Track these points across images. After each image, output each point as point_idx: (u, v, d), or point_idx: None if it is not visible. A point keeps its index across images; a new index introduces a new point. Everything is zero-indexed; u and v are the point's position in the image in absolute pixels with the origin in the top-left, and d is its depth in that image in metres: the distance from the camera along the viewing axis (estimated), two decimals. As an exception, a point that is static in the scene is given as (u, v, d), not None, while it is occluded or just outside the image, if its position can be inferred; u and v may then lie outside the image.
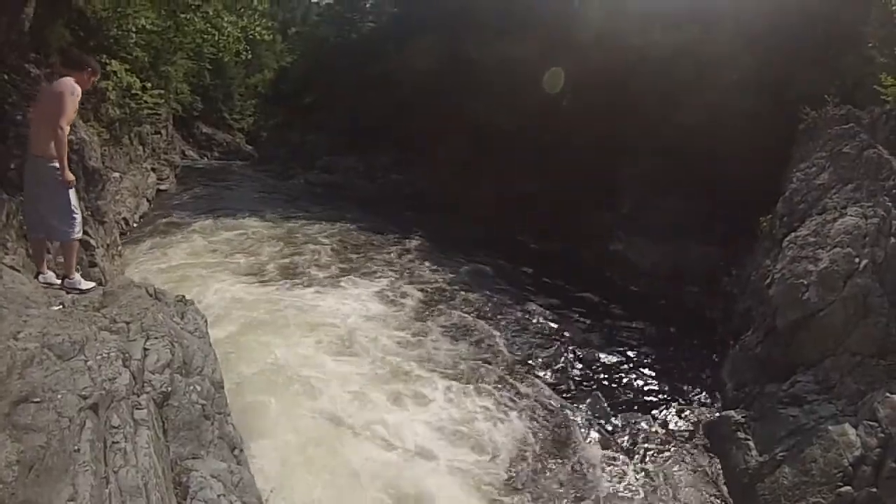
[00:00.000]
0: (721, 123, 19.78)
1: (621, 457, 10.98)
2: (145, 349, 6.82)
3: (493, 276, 20.39)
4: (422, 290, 18.31)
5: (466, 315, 16.60)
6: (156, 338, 7.15)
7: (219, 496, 6.31)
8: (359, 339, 14.17)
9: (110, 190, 23.50)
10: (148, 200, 27.34)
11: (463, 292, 18.41)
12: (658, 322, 17.06)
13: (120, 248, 19.70)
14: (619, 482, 10.29)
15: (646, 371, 14.30)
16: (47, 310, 6.99)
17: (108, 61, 22.20)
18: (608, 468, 10.63)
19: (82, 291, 8.51)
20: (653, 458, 11.04)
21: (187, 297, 9.36)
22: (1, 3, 16.00)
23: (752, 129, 18.73)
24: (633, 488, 10.07)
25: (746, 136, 18.73)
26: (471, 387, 12.70)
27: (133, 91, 23.21)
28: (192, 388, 7.19)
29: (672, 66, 23.04)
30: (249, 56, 25.50)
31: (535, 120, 27.42)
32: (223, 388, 8.00)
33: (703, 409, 12.64)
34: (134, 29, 22.75)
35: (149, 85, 25.06)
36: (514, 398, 12.45)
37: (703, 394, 13.38)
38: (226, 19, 19.64)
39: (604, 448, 11.11)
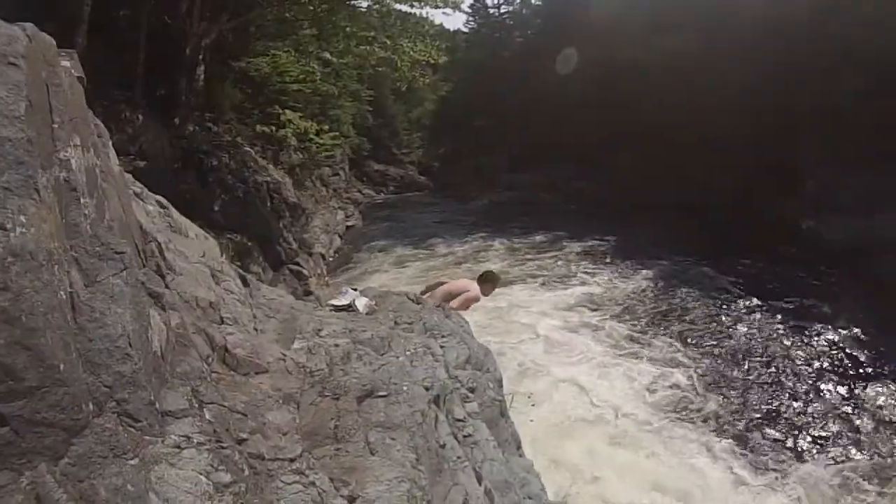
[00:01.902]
0: None
1: None
2: (441, 346, 6.47)
3: (693, 276, 19.17)
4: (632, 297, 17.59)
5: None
6: (444, 336, 6.84)
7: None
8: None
9: (311, 225, 24.57)
10: (339, 236, 28.18)
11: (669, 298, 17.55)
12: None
13: (327, 277, 20.27)
14: None
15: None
16: (333, 311, 6.81)
17: (281, 111, 23.27)
18: None
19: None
20: None
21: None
22: (180, 65, 17.21)
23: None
24: None
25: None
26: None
27: (309, 136, 24.00)
28: (487, 384, 6.78)
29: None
30: (427, 81, 25.86)
31: (704, 114, 25.81)
32: (503, 386, 7.52)
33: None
34: (292, 80, 23.70)
35: (325, 128, 25.89)
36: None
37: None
38: (405, 44, 19.83)
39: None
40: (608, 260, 21.83)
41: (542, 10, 50.92)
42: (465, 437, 4.83)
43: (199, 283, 4.13)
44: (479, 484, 4.39)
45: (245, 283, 5.61)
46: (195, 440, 2.34)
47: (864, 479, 9.53)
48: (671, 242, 21.83)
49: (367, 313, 7.25)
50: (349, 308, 7.28)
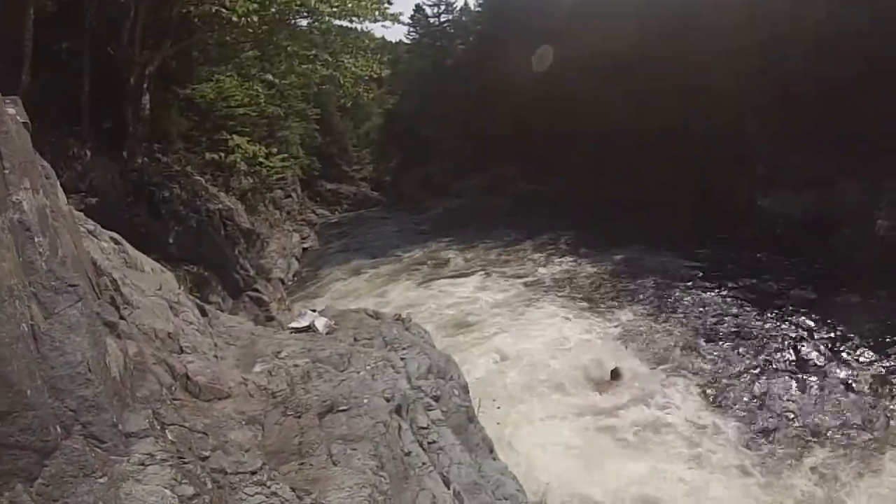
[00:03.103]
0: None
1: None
2: (402, 358, 6.59)
3: (656, 262, 19.66)
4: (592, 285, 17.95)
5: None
6: (404, 348, 6.97)
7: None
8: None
9: (267, 249, 24.44)
10: (297, 259, 28.03)
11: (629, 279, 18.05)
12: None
13: (288, 302, 20.21)
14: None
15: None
16: (293, 333, 6.90)
17: (229, 136, 23.16)
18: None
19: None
20: None
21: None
22: (126, 95, 17.08)
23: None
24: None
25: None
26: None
27: (259, 159, 23.90)
28: (452, 391, 6.92)
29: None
30: (372, 95, 25.91)
31: (653, 108, 26.35)
32: (468, 392, 7.68)
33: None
34: (237, 104, 23.64)
35: (274, 150, 25.79)
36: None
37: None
38: (346, 60, 19.89)
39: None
40: (563, 256, 22.39)
41: (481, 16, 51.34)
42: (429, 443, 4.96)
43: (157, 315, 4.21)
44: (448, 487, 4.52)
45: (203, 313, 5.68)
46: (158, 457, 2.46)
47: (816, 442, 9.90)
48: (627, 236, 22.29)
49: (326, 332, 7.33)
50: (309, 329, 7.36)
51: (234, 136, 23.11)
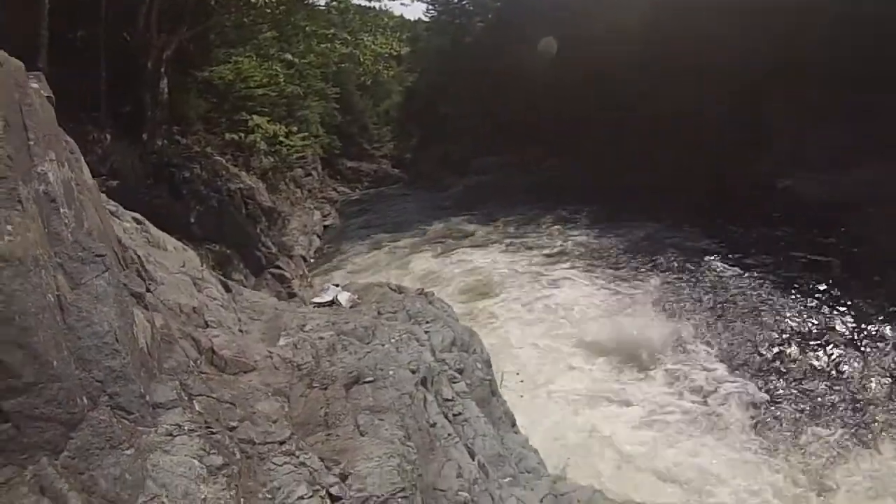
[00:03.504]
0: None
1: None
2: (426, 332, 6.61)
3: (674, 240, 19.57)
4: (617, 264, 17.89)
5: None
6: (427, 322, 6.99)
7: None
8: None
9: (288, 227, 24.55)
10: (318, 236, 28.09)
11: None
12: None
13: (310, 279, 20.31)
14: None
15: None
16: (316, 308, 6.93)
17: (248, 117, 23.19)
18: None
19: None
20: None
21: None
22: (143, 80, 17.11)
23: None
24: None
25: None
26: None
27: (279, 138, 23.93)
28: (475, 364, 6.93)
29: None
30: (392, 73, 25.84)
31: (673, 86, 25.91)
32: (491, 366, 7.68)
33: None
34: (256, 85, 23.64)
35: (294, 129, 25.79)
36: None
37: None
38: (366, 39, 19.80)
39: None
40: (582, 230, 22.38)
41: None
42: (455, 415, 4.97)
43: (182, 291, 4.22)
44: (472, 459, 4.53)
45: (227, 288, 5.70)
46: (186, 428, 2.46)
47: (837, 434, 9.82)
48: (644, 215, 22.06)
49: (350, 307, 7.36)
50: (333, 303, 7.39)
51: (254, 117, 23.14)
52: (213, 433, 2.57)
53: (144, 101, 17.09)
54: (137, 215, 5.72)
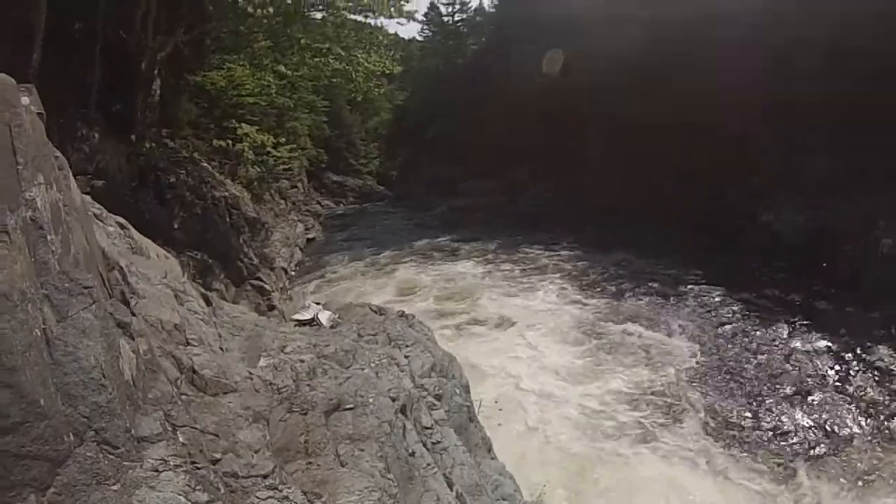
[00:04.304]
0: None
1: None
2: (406, 356, 6.59)
3: (657, 268, 19.77)
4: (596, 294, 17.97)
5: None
6: (408, 345, 6.96)
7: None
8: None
9: (271, 239, 24.43)
10: (300, 249, 28.02)
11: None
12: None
13: (290, 291, 20.24)
14: None
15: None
16: (297, 326, 6.91)
17: (237, 125, 23.16)
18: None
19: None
20: None
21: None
22: (136, 80, 17.04)
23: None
24: None
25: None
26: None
27: (267, 148, 23.92)
28: (454, 390, 6.91)
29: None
30: (383, 91, 25.95)
31: (661, 107, 26.15)
32: (469, 391, 7.67)
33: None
34: (247, 93, 23.68)
35: (282, 140, 25.79)
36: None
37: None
38: (360, 55, 19.85)
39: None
40: (564, 253, 22.69)
41: (494, 16, 51.37)
42: (433, 444, 4.95)
43: (163, 305, 4.18)
44: (451, 489, 4.51)
45: (208, 302, 5.66)
46: (171, 463, 2.43)
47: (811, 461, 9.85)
48: (630, 242, 22.21)
49: (330, 326, 7.31)
50: (313, 322, 7.35)
51: (243, 125, 23.12)
52: (198, 468, 2.55)
53: (136, 101, 16.99)
54: (121, 220, 5.68)
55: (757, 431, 10.70)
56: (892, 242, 16.15)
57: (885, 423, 10.77)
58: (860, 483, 9.38)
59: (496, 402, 10.91)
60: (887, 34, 17.87)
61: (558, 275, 19.76)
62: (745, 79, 22.54)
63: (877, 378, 12.11)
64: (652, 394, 11.81)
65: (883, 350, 12.91)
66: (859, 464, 9.76)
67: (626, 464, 9.81)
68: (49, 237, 2.33)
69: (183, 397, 3.12)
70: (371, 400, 4.69)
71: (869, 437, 10.46)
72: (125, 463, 2.30)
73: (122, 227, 5.62)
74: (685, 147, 24.64)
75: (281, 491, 2.88)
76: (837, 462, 9.83)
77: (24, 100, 2.64)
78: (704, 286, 17.33)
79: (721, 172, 23.00)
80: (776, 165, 21.56)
